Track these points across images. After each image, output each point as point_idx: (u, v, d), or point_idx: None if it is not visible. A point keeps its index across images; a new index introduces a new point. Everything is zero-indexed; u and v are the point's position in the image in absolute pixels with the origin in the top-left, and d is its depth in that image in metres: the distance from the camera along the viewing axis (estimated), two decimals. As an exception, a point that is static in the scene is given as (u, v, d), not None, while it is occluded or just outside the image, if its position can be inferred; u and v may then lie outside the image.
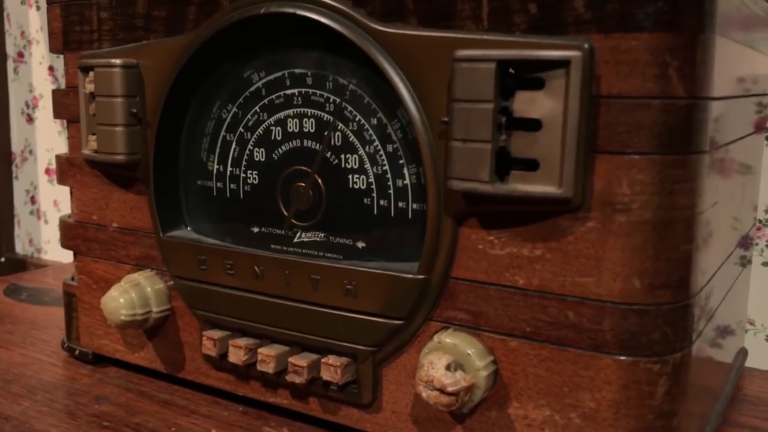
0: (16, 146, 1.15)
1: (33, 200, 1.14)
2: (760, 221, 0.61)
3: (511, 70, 0.34)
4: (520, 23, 0.35)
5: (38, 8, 1.08)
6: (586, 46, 0.33)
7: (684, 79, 0.33)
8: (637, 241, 0.34)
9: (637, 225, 0.34)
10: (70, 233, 0.55)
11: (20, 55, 1.12)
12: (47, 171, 1.11)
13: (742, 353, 0.57)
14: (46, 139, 1.11)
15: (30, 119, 1.12)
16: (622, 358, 0.35)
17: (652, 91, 0.32)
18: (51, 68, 1.08)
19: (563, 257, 0.35)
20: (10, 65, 1.13)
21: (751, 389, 0.53)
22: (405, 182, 0.41)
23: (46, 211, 1.13)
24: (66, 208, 1.10)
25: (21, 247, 1.17)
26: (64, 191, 1.10)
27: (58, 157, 0.55)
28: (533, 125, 0.34)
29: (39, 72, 1.10)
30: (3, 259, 1.16)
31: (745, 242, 0.56)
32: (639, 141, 0.33)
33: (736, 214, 0.49)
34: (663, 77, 0.32)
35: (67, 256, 1.10)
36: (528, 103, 0.34)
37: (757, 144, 0.55)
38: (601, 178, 0.34)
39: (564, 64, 0.33)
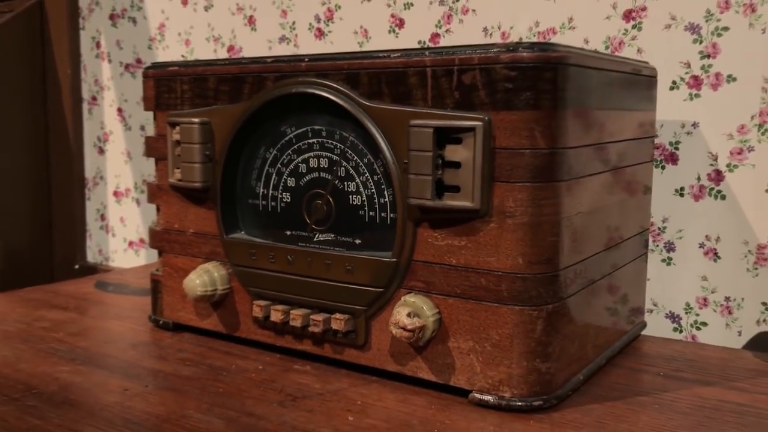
0: (88, 173, 1.40)
1: (102, 217, 1.38)
2: (658, 228, 0.82)
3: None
4: (450, 103, 0.57)
5: (110, 61, 1.32)
6: (486, 118, 0.55)
7: (545, 137, 0.55)
8: (519, 235, 0.56)
9: (520, 225, 0.55)
10: (158, 237, 0.78)
11: (94, 98, 1.36)
12: (115, 193, 1.36)
13: (641, 324, 0.78)
14: (114, 167, 1.35)
15: (101, 151, 1.37)
16: (514, 307, 0.56)
17: (525, 146, 0.55)
18: (119, 109, 1.32)
19: (477, 245, 0.57)
20: (85, 107, 1.38)
21: (642, 348, 0.74)
22: (385, 200, 0.63)
23: (114, 226, 1.37)
24: (130, 224, 1.34)
25: (92, 257, 1.41)
26: (129, 210, 1.34)
27: (149, 184, 0.78)
28: (456, 165, 0.56)
29: (109, 113, 1.34)
30: (77, 266, 1.40)
31: (645, 242, 0.77)
32: (518, 174, 0.55)
33: (626, 219, 0.70)
34: (531, 137, 0.54)
35: (128, 263, 1.34)
36: (453, 152, 0.56)
37: (650, 169, 0.76)
38: (498, 196, 0.56)
39: (472, 129, 0.55)
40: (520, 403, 0.57)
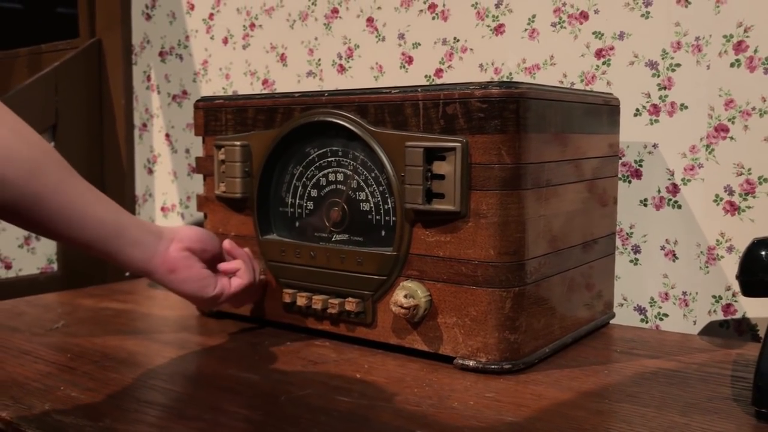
0: (139, 191, 1.57)
1: (150, 230, 1.55)
2: (627, 233, 0.97)
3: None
4: (437, 129, 0.72)
5: (159, 92, 1.51)
6: (464, 140, 0.70)
7: (509, 155, 0.70)
8: (491, 231, 0.71)
9: (491, 224, 0.71)
10: (205, 240, 0.94)
11: (144, 125, 1.55)
12: (162, 209, 1.53)
13: (610, 314, 0.92)
14: (161, 185, 1.53)
15: (150, 171, 1.55)
16: (488, 289, 0.71)
17: (494, 161, 0.70)
18: (167, 135, 1.50)
19: (458, 240, 0.72)
20: (136, 132, 1.56)
21: (609, 333, 0.88)
22: (388, 206, 0.78)
23: (160, 237, 1.54)
24: (175, 236, 1.51)
25: (140, 265, 1.58)
26: (174, 223, 1.51)
27: (198, 196, 0.95)
28: (441, 177, 0.72)
29: (158, 138, 1.52)
30: (128, 273, 1.57)
31: (612, 244, 0.91)
32: (489, 184, 0.70)
33: (595, 223, 0.84)
34: (498, 154, 0.70)
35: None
36: (439, 167, 0.72)
37: (616, 182, 0.91)
38: (474, 201, 0.71)
39: (454, 149, 0.70)
40: (493, 366, 0.72)
